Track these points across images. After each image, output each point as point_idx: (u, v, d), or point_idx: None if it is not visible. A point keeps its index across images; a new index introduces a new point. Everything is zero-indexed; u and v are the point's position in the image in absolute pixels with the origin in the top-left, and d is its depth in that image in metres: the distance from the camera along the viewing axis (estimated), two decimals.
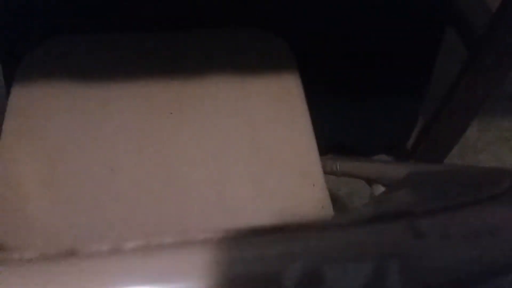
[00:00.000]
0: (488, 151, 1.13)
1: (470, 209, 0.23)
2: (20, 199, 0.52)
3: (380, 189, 0.47)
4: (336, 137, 0.93)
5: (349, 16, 0.74)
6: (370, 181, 0.51)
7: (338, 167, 0.58)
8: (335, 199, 0.99)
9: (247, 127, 0.59)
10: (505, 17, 0.63)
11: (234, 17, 0.70)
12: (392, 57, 0.80)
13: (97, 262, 0.21)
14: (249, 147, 0.57)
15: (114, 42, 0.66)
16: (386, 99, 0.86)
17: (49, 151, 0.55)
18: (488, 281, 0.22)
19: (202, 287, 0.20)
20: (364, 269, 0.21)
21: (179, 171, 0.55)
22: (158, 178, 0.54)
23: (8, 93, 0.60)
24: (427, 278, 0.21)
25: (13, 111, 0.58)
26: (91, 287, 0.20)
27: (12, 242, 0.49)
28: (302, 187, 0.54)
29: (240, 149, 0.57)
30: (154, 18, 0.69)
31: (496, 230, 0.22)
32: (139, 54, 0.65)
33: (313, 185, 0.54)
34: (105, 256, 0.21)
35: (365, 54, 0.78)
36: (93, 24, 0.66)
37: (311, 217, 0.50)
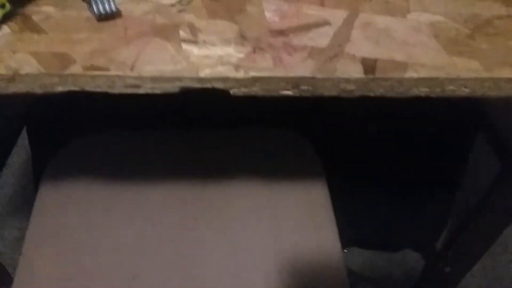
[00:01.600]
0: None
1: None
2: None
3: None
4: (361, 233, 0.91)
5: (377, 119, 0.74)
6: None
7: None
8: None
9: (271, 238, 0.58)
10: None
11: (259, 117, 0.70)
12: (422, 160, 0.78)
13: None
14: (273, 262, 0.56)
15: (141, 141, 0.67)
16: (415, 201, 0.84)
17: (70, 258, 0.55)
18: None
19: None
20: None
21: (200, 286, 0.53)
22: None
23: (36, 190, 0.61)
24: None
25: (39, 212, 0.59)
26: None
27: None
28: None
29: (263, 265, 0.56)
30: (179, 117, 0.70)
31: None
32: (164, 154, 0.66)
33: None
34: None
35: (393, 157, 0.77)
36: (121, 124, 0.67)
37: None
